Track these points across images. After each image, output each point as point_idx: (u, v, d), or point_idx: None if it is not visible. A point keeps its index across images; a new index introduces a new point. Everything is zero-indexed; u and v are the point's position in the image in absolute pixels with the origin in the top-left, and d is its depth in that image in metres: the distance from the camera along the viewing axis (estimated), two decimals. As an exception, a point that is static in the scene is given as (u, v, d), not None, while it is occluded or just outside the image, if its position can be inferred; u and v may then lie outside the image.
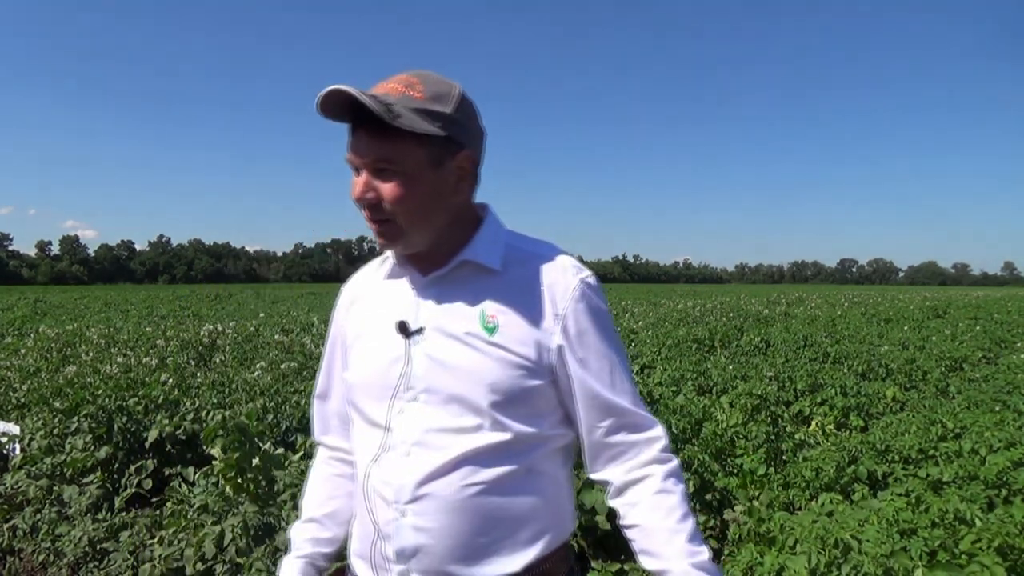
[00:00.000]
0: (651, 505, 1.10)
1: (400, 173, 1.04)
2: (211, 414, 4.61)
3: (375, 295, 1.22)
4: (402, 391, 1.11)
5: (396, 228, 1.08)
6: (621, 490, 1.14)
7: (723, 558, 3.21)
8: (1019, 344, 11.81)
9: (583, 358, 1.11)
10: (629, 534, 1.13)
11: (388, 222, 1.08)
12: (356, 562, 1.20)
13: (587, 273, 1.14)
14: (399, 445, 1.10)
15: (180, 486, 3.71)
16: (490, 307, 1.10)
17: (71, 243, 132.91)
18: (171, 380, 6.31)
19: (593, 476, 1.18)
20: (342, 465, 1.32)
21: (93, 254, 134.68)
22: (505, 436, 1.07)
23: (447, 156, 1.07)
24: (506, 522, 1.09)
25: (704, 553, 1.07)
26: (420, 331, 1.11)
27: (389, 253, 1.20)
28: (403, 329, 1.12)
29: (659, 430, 1.15)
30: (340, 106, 1.03)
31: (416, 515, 1.08)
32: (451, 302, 1.12)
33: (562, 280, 1.12)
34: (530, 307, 1.10)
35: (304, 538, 1.29)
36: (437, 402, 1.09)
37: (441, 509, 1.07)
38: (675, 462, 1.14)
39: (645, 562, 1.10)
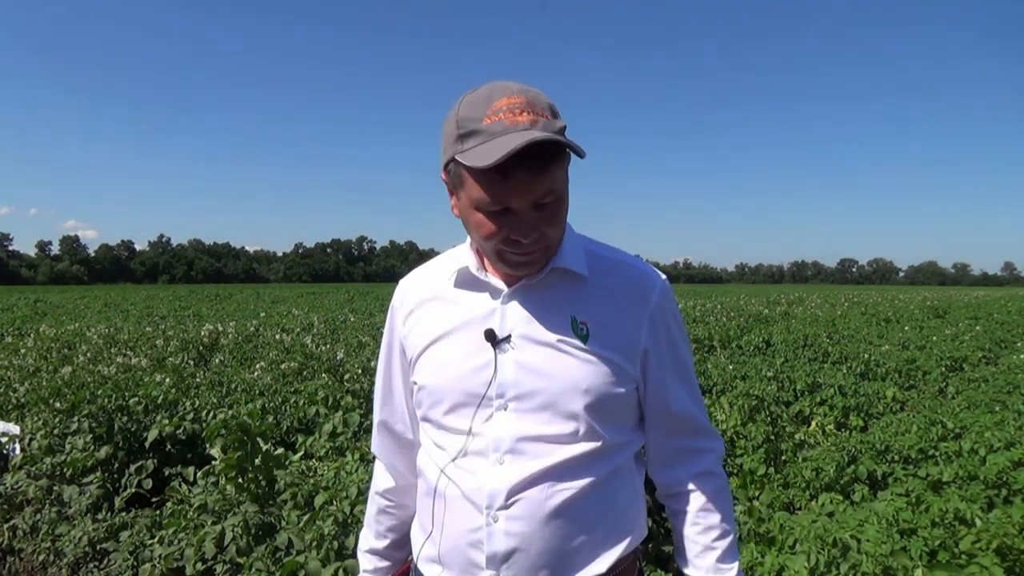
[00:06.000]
0: (693, 520, 1.19)
1: (557, 199, 1.02)
2: (211, 414, 4.62)
3: (445, 302, 1.18)
4: (491, 399, 1.10)
5: (547, 252, 1.06)
6: (670, 495, 1.23)
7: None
8: (1019, 344, 11.80)
9: (664, 362, 1.14)
10: (673, 534, 1.24)
11: (544, 248, 1.05)
12: (431, 568, 1.17)
13: (664, 278, 1.17)
14: (490, 453, 1.09)
15: (180, 486, 3.71)
16: (580, 314, 1.10)
17: (71, 243, 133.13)
18: (170, 380, 6.31)
19: (650, 474, 1.25)
20: (403, 495, 1.33)
21: (93, 254, 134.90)
22: (596, 444, 1.09)
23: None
24: (594, 527, 1.11)
25: (731, 570, 1.16)
26: (507, 339, 1.10)
27: (455, 260, 1.18)
28: (491, 337, 1.10)
29: (717, 439, 1.23)
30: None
31: (508, 520, 1.08)
32: (538, 309, 1.11)
33: (647, 287, 1.14)
34: (619, 314, 1.11)
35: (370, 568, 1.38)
36: (528, 410, 1.08)
37: (533, 515, 1.07)
38: (724, 480, 1.22)
39: (680, 563, 1.22)
